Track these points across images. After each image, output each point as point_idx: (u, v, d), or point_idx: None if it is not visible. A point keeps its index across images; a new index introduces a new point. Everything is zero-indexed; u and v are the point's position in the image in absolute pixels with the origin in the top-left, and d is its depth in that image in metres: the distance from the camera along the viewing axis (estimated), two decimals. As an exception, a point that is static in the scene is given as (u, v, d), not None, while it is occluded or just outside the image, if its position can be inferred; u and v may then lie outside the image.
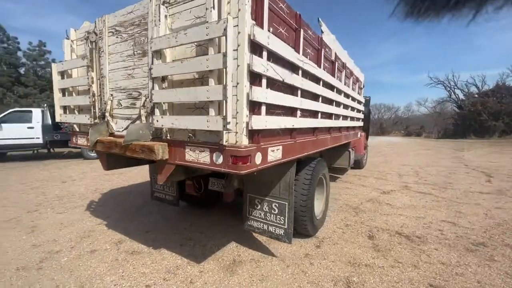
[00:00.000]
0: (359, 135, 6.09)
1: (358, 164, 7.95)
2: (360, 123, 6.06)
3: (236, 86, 1.59)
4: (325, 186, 3.78)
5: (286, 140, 2.23)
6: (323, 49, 2.92)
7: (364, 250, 3.05)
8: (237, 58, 1.60)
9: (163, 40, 1.82)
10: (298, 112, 2.38)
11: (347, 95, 4.37)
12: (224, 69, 1.57)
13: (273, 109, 2.00)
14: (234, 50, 1.59)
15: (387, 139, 30.31)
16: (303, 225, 3.16)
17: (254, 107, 1.72)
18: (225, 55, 1.53)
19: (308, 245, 3.17)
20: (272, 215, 2.74)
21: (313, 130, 2.94)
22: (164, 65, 1.86)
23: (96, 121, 2.52)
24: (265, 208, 2.78)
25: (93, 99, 2.46)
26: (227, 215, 4.05)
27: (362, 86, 5.95)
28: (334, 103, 3.57)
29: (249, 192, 2.90)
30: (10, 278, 2.50)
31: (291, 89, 2.28)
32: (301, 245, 3.18)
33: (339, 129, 4.16)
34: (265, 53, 1.75)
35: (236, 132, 1.65)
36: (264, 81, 1.77)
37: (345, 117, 4.39)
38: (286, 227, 2.65)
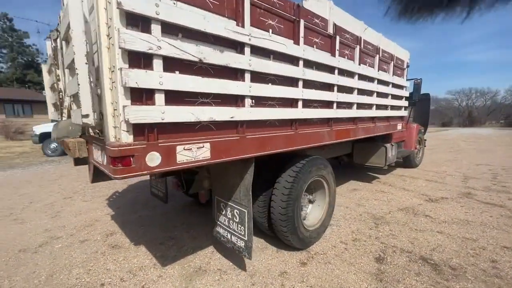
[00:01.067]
0: (399, 127, 4.92)
1: (408, 162, 6.57)
2: (401, 112, 4.87)
3: (100, 69, 1.28)
4: (327, 190, 3.11)
5: (224, 135, 1.80)
6: (303, 20, 2.30)
7: (361, 278, 2.36)
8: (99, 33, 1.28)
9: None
10: (246, 101, 1.90)
11: (367, 78, 3.51)
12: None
13: (191, 98, 1.61)
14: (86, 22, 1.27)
15: (473, 131, 24.87)
16: (284, 237, 2.65)
17: (141, 95, 1.38)
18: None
19: (293, 260, 2.64)
20: (234, 223, 2.35)
21: (290, 123, 2.38)
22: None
23: (64, 118, 2.58)
24: (229, 214, 2.41)
25: (59, 96, 2.52)
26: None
27: (404, 66, 4.75)
28: (335, 88, 2.86)
29: (216, 194, 2.57)
30: (9, 258, 2.83)
31: (234, 73, 1.83)
32: (284, 259, 2.68)
33: (353, 120, 3.37)
34: (155, 26, 1.37)
35: (116, 127, 1.35)
36: (157, 62, 1.40)
37: (363, 105, 3.53)
38: (246, 239, 2.22)
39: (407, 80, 5.40)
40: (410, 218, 3.61)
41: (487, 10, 0.85)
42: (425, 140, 7.35)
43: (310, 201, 3.16)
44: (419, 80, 5.75)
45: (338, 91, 2.92)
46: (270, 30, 2.06)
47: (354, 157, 5.25)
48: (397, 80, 4.43)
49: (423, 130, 7.42)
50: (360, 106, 3.43)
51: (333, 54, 2.79)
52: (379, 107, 3.95)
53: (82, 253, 2.91)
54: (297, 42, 2.29)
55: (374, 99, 3.72)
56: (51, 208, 4.35)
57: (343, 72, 2.99)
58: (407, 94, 5.00)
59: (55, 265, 2.69)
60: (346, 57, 3.04)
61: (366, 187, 5.08)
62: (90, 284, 2.37)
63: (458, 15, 0.88)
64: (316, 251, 2.81)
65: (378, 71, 3.77)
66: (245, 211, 2.19)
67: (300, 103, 2.40)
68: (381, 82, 3.88)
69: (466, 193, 4.67)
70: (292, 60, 2.29)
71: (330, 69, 2.78)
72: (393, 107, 4.48)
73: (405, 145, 6.40)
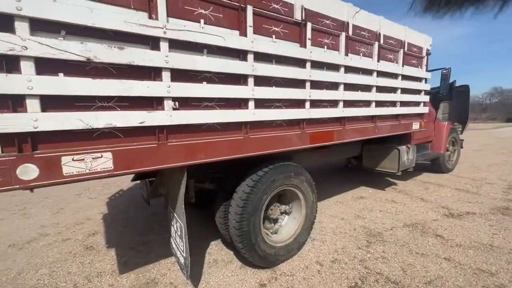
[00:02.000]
0: (416, 126, 4.17)
1: (438, 166, 5.64)
2: (419, 109, 4.12)
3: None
4: (303, 201, 2.73)
5: (135, 143, 1.60)
6: (251, 6, 1.97)
7: (322, 311, 1.97)
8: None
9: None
10: (166, 104, 1.67)
11: (360, 71, 3.00)
12: None
13: (86, 102, 1.44)
14: None
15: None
16: (242, 254, 2.37)
17: (7, 102, 1.24)
18: None
19: (253, 281, 2.35)
20: (178, 237, 2.15)
21: (240, 126, 2.09)
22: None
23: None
24: (175, 227, 2.22)
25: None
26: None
27: (423, 54, 3.99)
28: (307, 84, 2.46)
29: (168, 203, 2.40)
30: (-4, 252, 3.05)
31: (146, 72, 1.61)
32: (244, 278, 2.40)
33: (340, 120, 2.90)
34: (20, 24, 1.22)
35: (-18, 138, 1.24)
36: (26, 64, 1.25)
37: (354, 102, 3.03)
38: (185, 255, 2.01)
39: (430, 70, 4.60)
40: (414, 237, 3.00)
41: None
42: (462, 140, 6.24)
43: (286, 213, 2.81)
44: (447, 70, 4.84)
45: (314, 87, 2.51)
46: (202, 21, 1.78)
47: (364, 160, 4.65)
48: (410, 71, 3.75)
49: (459, 129, 6.32)
50: (350, 103, 2.94)
51: (303, 45, 2.39)
52: (381, 104, 3.36)
53: (58, 252, 3.00)
54: (243, 33, 1.98)
55: (371, 95, 3.17)
56: (58, 204, 4.66)
57: (321, 65, 2.56)
58: (428, 87, 4.22)
59: (29, 263, 2.80)
60: (325, 47, 2.60)
61: (375, 195, 4.45)
62: (45, 287, 2.39)
63: (491, 9, 0.82)
64: (283, 271, 2.46)
65: (379, 61, 3.20)
66: (182, 225, 1.98)
67: (251, 103, 2.08)
68: (383, 74, 3.29)
69: (503, 207, 3.78)
70: (237, 54, 1.99)
71: (299, 62, 2.39)
72: (405, 103, 3.81)
73: (432, 146, 5.50)
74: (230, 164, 2.24)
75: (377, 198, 4.30)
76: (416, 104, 4.08)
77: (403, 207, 3.89)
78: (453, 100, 6.42)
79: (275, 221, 2.71)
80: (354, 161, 4.94)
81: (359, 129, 3.10)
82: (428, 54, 4.11)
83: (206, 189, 2.72)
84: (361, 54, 3.00)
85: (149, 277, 2.48)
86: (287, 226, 2.77)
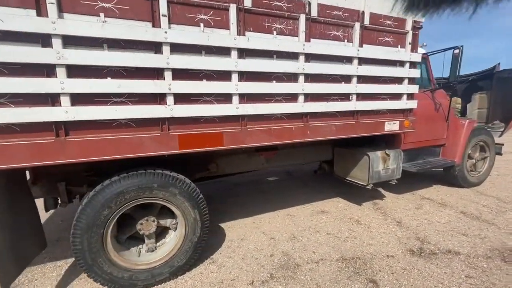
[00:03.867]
0: (394, 126, 3.10)
1: (454, 179, 4.30)
2: (397, 103, 3.05)
3: None
4: (181, 219, 2.25)
5: None
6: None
7: None
8: None
9: None
10: None
11: (270, 54, 2.30)
12: None
13: None
14: None
15: None
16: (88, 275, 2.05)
17: None
18: None
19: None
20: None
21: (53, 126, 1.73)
22: None
23: None
24: None
25: None
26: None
27: (406, 29, 2.89)
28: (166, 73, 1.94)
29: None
30: None
31: None
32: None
33: (238, 119, 2.29)
34: None
35: None
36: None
37: (276, 96, 2.35)
38: None
39: (433, 52, 3.48)
40: (338, 279, 2.22)
41: (495, 6, 0.86)
42: (501, 145, 4.62)
43: (171, 228, 2.37)
44: (459, 49, 3.49)
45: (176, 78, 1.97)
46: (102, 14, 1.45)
47: (335, 166, 3.81)
48: (377, 52, 2.78)
49: (499, 129, 4.71)
50: (253, 98, 2.28)
51: (156, 24, 1.86)
52: (317, 97, 2.56)
53: None
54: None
55: (297, 86, 2.42)
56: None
57: (182, 49, 1.97)
58: (416, 73, 3.12)
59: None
60: (202, 24, 2.00)
61: (341, 211, 3.58)
62: None
63: (465, 10, 0.89)
64: (138, 300, 2.06)
65: (309, 40, 2.41)
66: None
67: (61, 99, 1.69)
68: (318, 57, 2.48)
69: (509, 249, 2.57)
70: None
71: (151, 46, 1.88)
72: (369, 96, 2.87)
73: (444, 152, 4.21)
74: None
75: (340, 216, 3.44)
76: (394, 97, 3.05)
77: (362, 232, 3.00)
78: (493, 89, 4.82)
79: (149, 237, 2.29)
80: (327, 166, 4.09)
81: (271, 131, 2.40)
82: (416, 28, 3.00)
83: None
84: (275, 31, 2.28)
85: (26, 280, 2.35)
86: (167, 244, 2.33)
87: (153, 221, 2.27)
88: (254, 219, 3.37)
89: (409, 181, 4.41)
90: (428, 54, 3.96)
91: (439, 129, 4.02)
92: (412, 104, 3.19)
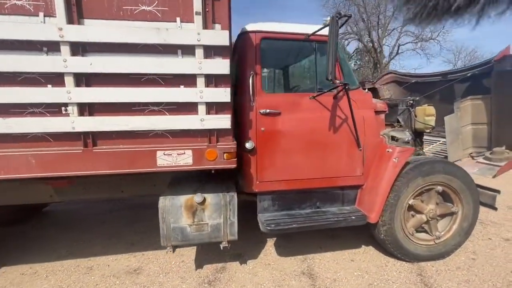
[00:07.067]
0: (180, 159, 1.79)
1: (383, 245, 2.58)
2: (188, 120, 1.76)
3: None
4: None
5: None
6: None
7: None
8: None
9: None
10: None
11: None
12: None
13: None
14: None
15: None
16: None
17: None
18: None
19: None
20: None
21: None
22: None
23: None
24: None
25: None
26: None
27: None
28: None
29: None
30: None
31: None
32: None
33: None
34: None
35: None
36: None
37: None
38: None
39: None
40: None
41: (498, 17, 0.84)
42: (496, 192, 2.57)
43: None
44: (331, 19, 1.84)
45: None
46: None
47: None
48: (115, 32, 1.65)
49: (500, 163, 2.68)
50: None
51: None
52: None
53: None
54: None
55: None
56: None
57: None
58: (219, 67, 1.80)
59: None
60: None
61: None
62: None
63: (468, 22, 0.87)
64: None
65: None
66: None
67: None
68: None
69: None
70: None
71: None
72: (116, 108, 1.74)
73: (360, 200, 2.55)
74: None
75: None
76: (177, 109, 1.81)
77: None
78: (494, 91, 2.86)
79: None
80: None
81: None
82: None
83: None
84: None
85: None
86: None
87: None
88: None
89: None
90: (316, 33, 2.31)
91: (341, 160, 2.42)
92: (220, 122, 1.86)
